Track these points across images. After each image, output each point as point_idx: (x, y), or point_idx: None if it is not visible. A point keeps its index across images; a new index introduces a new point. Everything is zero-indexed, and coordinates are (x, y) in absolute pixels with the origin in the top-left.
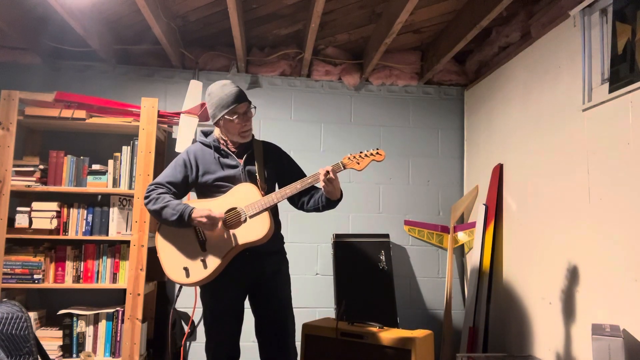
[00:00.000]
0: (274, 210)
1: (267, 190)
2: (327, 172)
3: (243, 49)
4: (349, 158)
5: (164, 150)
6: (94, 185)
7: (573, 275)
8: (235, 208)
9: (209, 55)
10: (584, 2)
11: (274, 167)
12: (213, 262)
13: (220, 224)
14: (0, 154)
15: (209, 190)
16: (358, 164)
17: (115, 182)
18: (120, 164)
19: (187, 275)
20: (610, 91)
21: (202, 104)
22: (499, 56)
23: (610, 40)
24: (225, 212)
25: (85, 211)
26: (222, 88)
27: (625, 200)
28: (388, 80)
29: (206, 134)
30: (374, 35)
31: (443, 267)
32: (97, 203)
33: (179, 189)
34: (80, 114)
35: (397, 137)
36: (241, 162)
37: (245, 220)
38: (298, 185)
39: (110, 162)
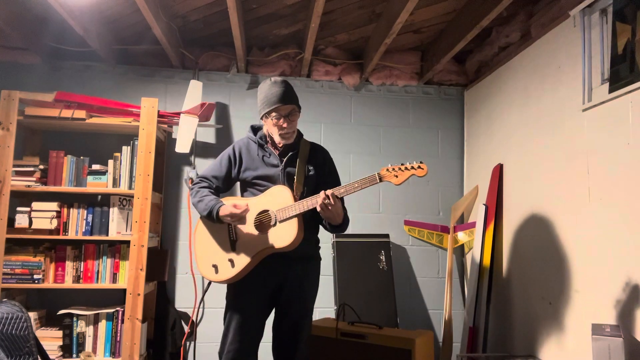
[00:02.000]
0: (314, 214)
1: (304, 193)
2: (327, 197)
3: (243, 49)
4: (387, 170)
5: (164, 150)
6: (94, 185)
7: (573, 275)
8: (268, 210)
9: (209, 55)
10: (584, 2)
11: (315, 170)
12: (240, 263)
13: (246, 219)
14: (0, 154)
15: (248, 186)
16: (396, 177)
17: (115, 182)
18: (120, 164)
19: (216, 272)
20: (610, 91)
21: (202, 104)
22: (499, 56)
23: (610, 40)
24: (258, 214)
25: (85, 211)
26: (271, 86)
27: (625, 200)
28: (388, 80)
29: (255, 129)
30: (374, 35)
31: (443, 267)
32: (97, 203)
33: (222, 183)
34: (80, 114)
35: (397, 137)
36: (282, 162)
37: (275, 224)
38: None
39: (110, 162)
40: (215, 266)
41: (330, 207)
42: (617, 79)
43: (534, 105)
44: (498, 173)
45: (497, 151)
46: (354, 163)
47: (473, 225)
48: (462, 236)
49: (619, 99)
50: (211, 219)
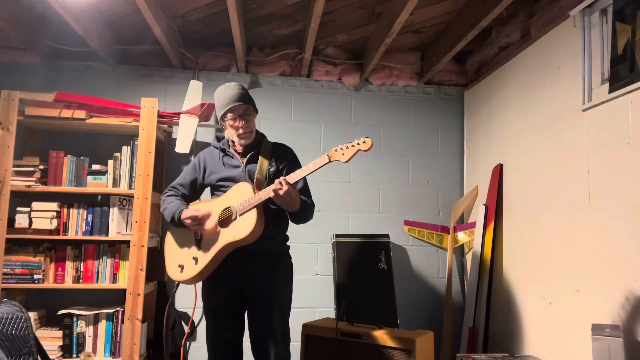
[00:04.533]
0: (277, 212)
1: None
2: (280, 182)
3: (243, 49)
4: (335, 150)
5: (164, 150)
6: (94, 185)
7: (573, 275)
8: (229, 207)
9: (209, 55)
10: (584, 2)
11: (276, 165)
12: (203, 259)
13: (207, 222)
14: (0, 154)
15: (214, 189)
16: (343, 154)
17: (115, 182)
18: (120, 164)
19: (182, 271)
20: (610, 91)
21: (202, 104)
22: (499, 56)
23: (610, 40)
24: (221, 211)
25: (85, 211)
26: (225, 89)
27: (625, 200)
28: (388, 80)
29: (219, 138)
30: (374, 35)
31: (443, 267)
32: (97, 203)
33: (189, 190)
34: (80, 114)
35: (397, 137)
36: (244, 161)
37: (235, 218)
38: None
39: (110, 162)
40: (181, 266)
41: (281, 192)
42: (617, 79)
43: (534, 105)
44: (498, 173)
45: (497, 151)
46: (353, 163)
47: (473, 225)
48: (462, 236)
49: (619, 99)
50: (174, 223)
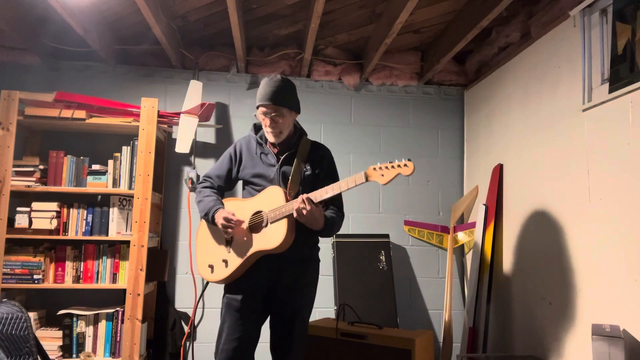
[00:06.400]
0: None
1: (299, 193)
2: (303, 200)
3: (243, 49)
4: (374, 169)
5: (164, 150)
6: (94, 185)
7: (573, 275)
8: (261, 212)
9: (209, 55)
10: (584, 2)
11: (312, 169)
12: (233, 263)
13: (240, 227)
14: (0, 154)
15: (245, 184)
16: (382, 175)
17: (115, 182)
18: (120, 164)
19: (212, 272)
20: (610, 91)
21: (202, 104)
22: (499, 56)
23: (610, 40)
24: (252, 215)
25: (85, 211)
26: (266, 82)
27: (625, 200)
28: (388, 81)
29: (257, 127)
30: (374, 35)
31: (443, 267)
32: (97, 203)
33: (224, 182)
34: (80, 114)
35: (397, 137)
36: (279, 161)
37: (266, 225)
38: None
39: (110, 162)
40: (211, 266)
41: (304, 212)
42: (617, 79)
43: (534, 105)
44: (498, 173)
45: (497, 151)
46: (354, 163)
47: (473, 225)
48: (462, 236)
49: (619, 99)
50: (207, 220)
